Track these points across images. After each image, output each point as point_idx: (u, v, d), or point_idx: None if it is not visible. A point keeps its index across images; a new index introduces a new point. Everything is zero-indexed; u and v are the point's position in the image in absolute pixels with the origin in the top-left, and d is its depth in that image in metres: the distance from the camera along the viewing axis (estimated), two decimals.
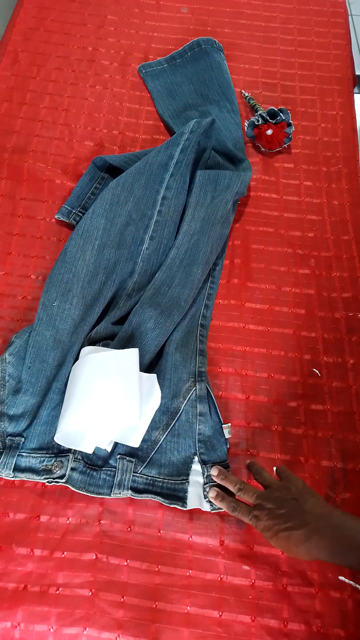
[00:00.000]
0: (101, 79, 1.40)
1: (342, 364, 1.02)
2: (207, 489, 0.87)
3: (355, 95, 1.43)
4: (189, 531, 0.85)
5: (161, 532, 0.85)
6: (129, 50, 1.46)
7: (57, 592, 0.79)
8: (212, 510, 0.85)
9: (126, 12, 1.53)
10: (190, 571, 0.82)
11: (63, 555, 0.82)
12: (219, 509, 0.85)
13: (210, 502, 0.86)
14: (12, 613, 0.77)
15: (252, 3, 1.56)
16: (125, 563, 0.82)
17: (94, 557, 0.82)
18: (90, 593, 0.79)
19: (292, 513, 0.72)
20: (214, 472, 0.86)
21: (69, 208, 1.17)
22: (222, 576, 0.81)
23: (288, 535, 0.70)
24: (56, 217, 1.15)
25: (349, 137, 1.33)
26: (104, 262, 1.04)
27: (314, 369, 1.01)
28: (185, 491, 0.87)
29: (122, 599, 0.79)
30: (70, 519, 0.85)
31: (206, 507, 0.86)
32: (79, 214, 1.16)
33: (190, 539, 0.84)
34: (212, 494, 0.84)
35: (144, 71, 1.42)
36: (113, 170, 1.24)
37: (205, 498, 0.86)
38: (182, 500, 0.86)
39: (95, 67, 1.41)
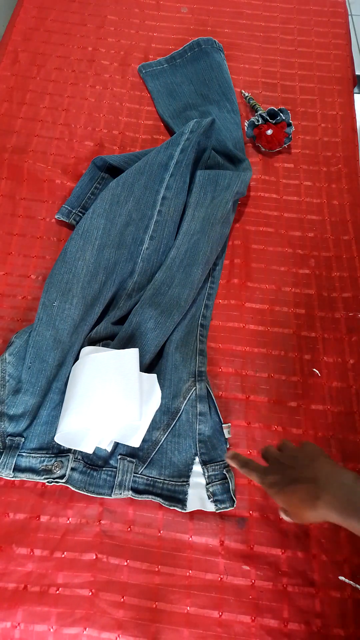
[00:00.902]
0: (101, 79, 1.40)
1: (342, 364, 1.02)
2: (210, 489, 0.87)
3: (355, 95, 1.43)
4: (189, 531, 0.85)
5: (161, 532, 0.85)
6: (129, 50, 1.46)
7: (57, 592, 0.79)
8: (217, 510, 0.85)
9: (126, 12, 1.53)
10: (191, 571, 0.82)
11: (63, 555, 0.82)
12: (225, 508, 0.85)
13: (215, 502, 0.86)
14: (12, 613, 0.77)
15: (252, 3, 1.57)
16: (126, 563, 0.82)
17: (94, 557, 0.82)
18: (90, 593, 0.79)
19: (302, 468, 0.66)
20: (227, 455, 0.78)
21: (69, 208, 1.17)
22: (222, 576, 0.81)
23: (294, 490, 0.64)
24: (56, 217, 1.15)
25: (349, 137, 1.33)
26: (104, 262, 1.04)
27: (314, 369, 1.01)
28: (186, 493, 0.87)
29: (122, 599, 0.79)
30: (70, 519, 0.85)
31: (210, 508, 0.86)
32: (79, 214, 1.16)
33: (190, 539, 0.84)
34: (228, 454, 0.77)
35: (144, 71, 1.42)
36: (113, 170, 1.24)
37: (209, 498, 0.86)
38: (182, 502, 0.86)
39: (95, 67, 1.41)
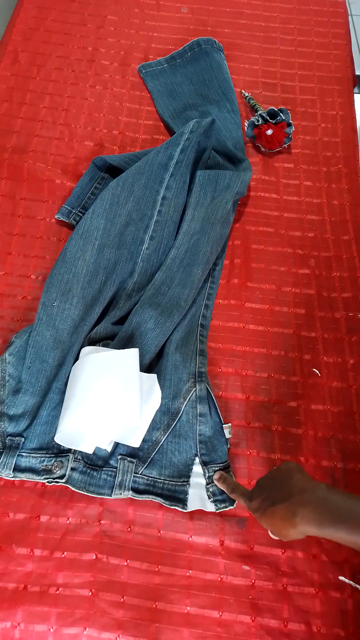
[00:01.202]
0: (101, 79, 1.40)
1: (342, 363, 1.02)
2: (210, 489, 0.87)
3: (355, 95, 1.43)
4: (189, 531, 0.85)
5: (161, 532, 0.85)
6: (129, 50, 1.46)
7: (57, 592, 0.79)
8: (217, 510, 0.85)
9: (126, 12, 1.53)
10: (190, 571, 0.82)
11: (63, 555, 0.82)
12: (224, 508, 0.85)
13: (214, 502, 0.86)
14: (12, 613, 0.77)
15: (252, 3, 1.57)
16: (125, 563, 0.82)
17: (94, 557, 0.82)
18: (90, 593, 0.79)
19: (278, 489, 0.70)
20: (216, 476, 0.86)
21: (69, 208, 1.17)
22: (222, 576, 0.81)
23: (274, 511, 0.67)
24: (56, 217, 1.15)
25: (349, 137, 1.33)
26: (104, 262, 1.04)
27: (314, 369, 1.01)
28: (186, 493, 0.87)
29: (122, 599, 0.79)
30: (70, 519, 0.85)
31: (210, 508, 0.86)
32: (79, 214, 1.16)
33: (190, 539, 0.84)
34: (216, 476, 0.85)
35: (144, 71, 1.42)
36: (113, 170, 1.24)
37: (209, 498, 0.86)
38: (183, 502, 0.86)
39: (95, 67, 1.41)
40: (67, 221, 1.15)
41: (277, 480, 0.72)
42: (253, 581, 0.81)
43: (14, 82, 1.36)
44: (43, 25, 1.48)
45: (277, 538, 0.70)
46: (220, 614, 0.78)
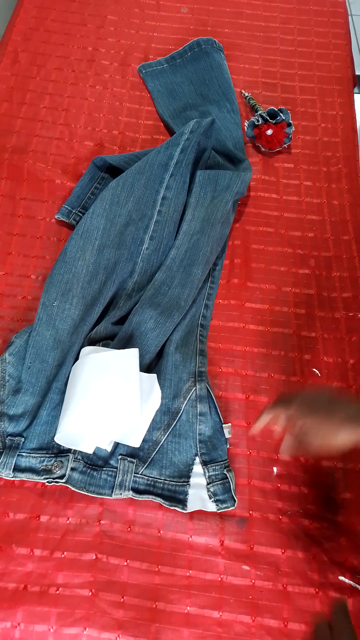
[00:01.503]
0: (101, 79, 1.40)
1: (342, 364, 1.02)
2: (211, 489, 0.87)
3: (355, 95, 1.43)
4: (189, 531, 0.85)
5: (161, 532, 0.85)
6: (129, 50, 1.46)
7: (57, 592, 0.79)
8: (218, 510, 0.85)
9: (126, 12, 1.53)
10: (190, 571, 0.82)
11: (63, 556, 0.82)
12: (226, 508, 0.85)
13: (216, 502, 0.86)
14: (12, 613, 0.77)
15: (252, 3, 1.57)
16: (125, 563, 0.82)
17: (94, 557, 0.82)
18: (90, 593, 0.79)
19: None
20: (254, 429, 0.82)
21: (69, 208, 1.17)
22: (222, 576, 0.81)
23: (333, 410, 0.70)
24: (56, 217, 1.15)
25: (349, 137, 1.33)
26: (104, 262, 1.04)
27: (314, 369, 1.01)
28: (186, 493, 0.87)
29: (122, 599, 0.79)
30: (70, 519, 0.85)
31: (211, 508, 0.86)
32: (79, 214, 1.16)
33: (190, 539, 0.84)
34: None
35: (144, 71, 1.42)
36: (113, 170, 1.24)
37: (210, 498, 0.86)
38: (182, 502, 0.86)
39: (95, 67, 1.41)
40: (67, 221, 1.15)
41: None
42: (253, 581, 0.81)
43: (14, 82, 1.36)
44: (43, 25, 1.48)
45: (292, 452, 0.72)
46: (220, 614, 0.78)
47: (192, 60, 1.42)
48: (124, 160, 1.21)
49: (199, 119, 1.23)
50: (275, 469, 0.91)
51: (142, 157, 1.19)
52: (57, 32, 1.47)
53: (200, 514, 0.86)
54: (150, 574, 0.81)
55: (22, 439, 0.90)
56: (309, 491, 0.90)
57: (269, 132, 1.24)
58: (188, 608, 0.79)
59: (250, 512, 0.87)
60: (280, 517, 0.87)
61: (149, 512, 0.86)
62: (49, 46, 1.44)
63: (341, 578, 0.82)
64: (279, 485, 0.90)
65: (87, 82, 1.39)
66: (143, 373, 0.88)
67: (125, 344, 0.97)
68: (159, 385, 0.90)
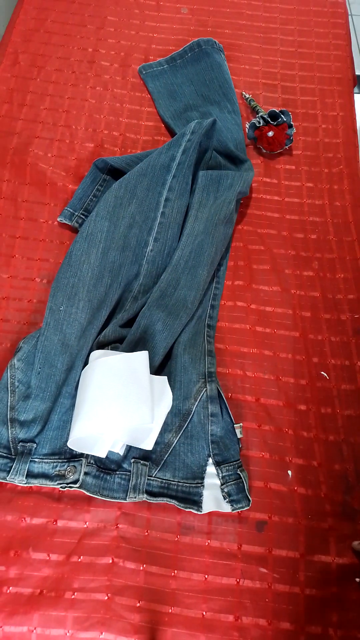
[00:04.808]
0: (101, 80, 1.39)
1: (349, 366, 1.03)
2: (225, 489, 0.87)
3: (355, 95, 1.44)
4: (207, 535, 0.85)
5: (178, 536, 0.85)
6: (129, 51, 1.45)
7: (73, 596, 0.79)
8: (232, 510, 0.86)
9: (126, 13, 1.52)
10: (207, 575, 0.82)
11: (79, 560, 0.82)
12: (241, 508, 0.85)
13: (230, 502, 0.86)
14: (29, 618, 0.78)
15: (252, 4, 1.57)
16: (142, 567, 0.82)
17: (111, 562, 0.82)
18: (106, 597, 0.79)
19: None
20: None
21: (71, 211, 1.16)
22: (239, 580, 0.82)
23: None
24: (58, 219, 1.15)
25: (350, 138, 1.34)
26: (109, 265, 1.04)
27: (322, 372, 1.02)
28: (201, 495, 0.87)
29: (138, 604, 0.79)
30: (87, 523, 0.85)
31: (226, 508, 0.86)
32: (81, 216, 1.16)
33: (207, 543, 0.85)
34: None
35: (144, 72, 1.42)
36: (114, 172, 1.23)
37: (225, 499, 0.87)
38: (198, 504, 0.86)
39: (95, 68, 1.41)
40: (69, 224, 1.15)
41: None
42: (270, 584, 0.82)
43: (14, 84, 1.36)
44: (43, 26, 1.47)
45: None
46: (237, 618, 0.79)
47: (193, 61, 1.42)
48: (125, 161, 1.21)
49: (200, 119, 1.23)
50: (290, 472, 0.91)
51: (143, 158, 1.19)
52: (57, 34, 1.46)
53: (218, 518, 0.87)
54: (167, 578, 0.82)
55: (34, 445, 0.90)
56: (325, 495, 0.90)
57: (270, 133, 1.25)
58: (204, 612, 0.79)
59: (269, 515, 0.88)
60: (299, 520, 0.88)
61: (167, 515, 0.87)
62: (49, 47, 1.43)
63: (358, 580, 0.83)
64: (295, 488, 0.90)
65: (87, 83, 1.38)
66: (153, 375, 0.89)
67: (134, 346, 0.98)
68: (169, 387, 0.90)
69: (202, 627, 0.78)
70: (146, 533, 0.85)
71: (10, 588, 0.80)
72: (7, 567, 0.81)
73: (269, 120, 1.26)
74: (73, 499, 0.87)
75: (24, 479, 0.86)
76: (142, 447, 0.86)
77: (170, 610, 0.79)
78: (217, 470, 0.90)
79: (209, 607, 0.80)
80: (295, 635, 0.78)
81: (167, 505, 0.87)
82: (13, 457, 0.88)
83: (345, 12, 1.57)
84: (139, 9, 1.54)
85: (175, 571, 0.82)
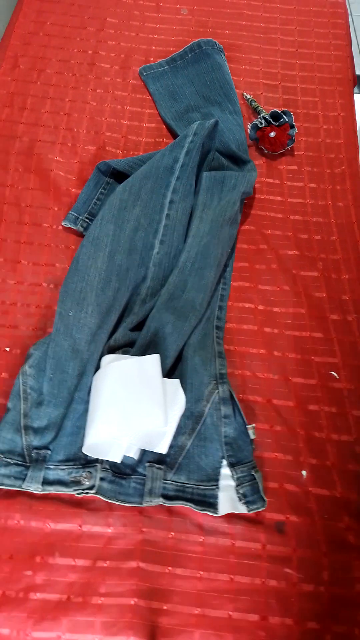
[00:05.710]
0: (102, 82, 1.39)
1: (358, 366, 1.03)
2: (241, 491, 0.88)
3: (355, 95, 1.45)
4: (231, 536, 0.86)
5: (202, 538, 0.86)
6: (130, 53, 1.45)
7: (101, 601, 0.80)
8: (249, 511, 0.86)
9: (126, 14, 1.52)
10: (232, 576, 0.83)
11: (105, 565, 0.82)
12: (256, 509, 0.86)
13: (246, 503, 0.87)
14: (57, 624, 0.78)
15: (252, 4, 1.57)
16: (168, 570, 0.83)
17: (136, 565, 0.83)
18: (133, 602, 0.80)
19: None
20: None
21: (76, 214, 1.16)
22: (264, 580, 0.83)
23: None
24: (63, 224, 1.15)
25: (351, 139, 1.35)
26: (116, 269, 1.05)
27: (332, 372, 1.03)
28: (216, 497, 0.88)
29: (165, 607, 0.80)
30: (111, 528, 0.85)
31: (242, 509, 0.87)
32: (86, 220, 1.16)
33: (232, 543, 0.85)
34: None
35: (144, 73, 1.42)
36: (118, 175, 1.24)
37: (240, 500, 0.87)
38: (213, 506, 0.87)
39: (95, 70, 1.41)
40: (74, 228, 1.15)
41: None
42: (295, 584, 0.83)
43: (15, 87, 1.35)
44: (42, 29, 1.47)
45: None
46: (263, 617, 0.80)
47: (193, 62, 1.42)
48: (128, 164, 1.21)
49: (202, 120, 1.23)
50: (304, 472, 0.92)
51: (146, 160, 1.19)
52: (56, 36, 1.46)
53: (241, 519, 0.87)
54: (193, 580, 0.82)
55: (49, 452, 0.90)
56: (341, 494, 0.91)
57: (272, 134, 1.25)
58: (231, 613, 0.80)
59: (287, 515, 0.88)
60: (315, 520, 0.88)
61: (190, 518, 0.87)
62: (48, 50, 1.43)
63: None
64: (310, 488, 0.91)
65: (88, 85, 1.38)
66: (166, 378, 0.89)
67: (144, 350, 0.98)
68: None
69: (229, 627, 0.79)
70: (170, 536, 0.85)
71: (38, 594, 0.80)
72: (34, 572, 0.82)
73: (271, 120, 1.27)
74: (93, 502, 0.88)
75: (40, 486, 0.86)
76: (156, 451, 0.86)
77: (196, 612, 0.80)
78: (231, 471, 0.90)
79: (236, 607, 0.80)
80: (321, 635, 0.79)
81: (190, 507, 0.88)
82: (28, 464, 0.88)
83: (345, 12, 1.58)
84: (138, 10, 1.54)
85: (201, 572, 0.83)
